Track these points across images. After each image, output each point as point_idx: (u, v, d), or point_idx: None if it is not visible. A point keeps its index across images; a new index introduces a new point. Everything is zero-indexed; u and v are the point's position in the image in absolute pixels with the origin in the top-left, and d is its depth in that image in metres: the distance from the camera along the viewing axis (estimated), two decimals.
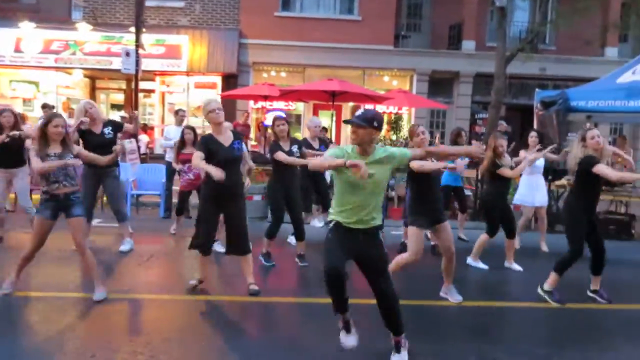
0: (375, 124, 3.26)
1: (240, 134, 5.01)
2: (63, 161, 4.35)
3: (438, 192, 5.01)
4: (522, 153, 7.33)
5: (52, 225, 4.50)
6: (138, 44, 11.38)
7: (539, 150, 6.83)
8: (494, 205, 6.07)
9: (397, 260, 4.83)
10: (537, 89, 9.67)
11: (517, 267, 6.26)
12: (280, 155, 5.61)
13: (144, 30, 11.89)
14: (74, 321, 4.15)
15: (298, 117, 16.10)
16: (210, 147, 4.60)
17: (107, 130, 6.01)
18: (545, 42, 15.95)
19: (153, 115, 15.83)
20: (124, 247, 6.29)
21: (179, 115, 9.10)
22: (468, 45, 15.34)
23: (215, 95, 14.84)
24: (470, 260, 6.30)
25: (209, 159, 4.50)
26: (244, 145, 5.12)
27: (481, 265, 6.26)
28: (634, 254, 7.50)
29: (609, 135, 15.63)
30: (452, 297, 4.94)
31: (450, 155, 4.65)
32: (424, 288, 5.26)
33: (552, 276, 5.08)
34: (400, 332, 3.51)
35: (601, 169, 4.76)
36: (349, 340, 3.48)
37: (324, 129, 12.36)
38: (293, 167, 5.84)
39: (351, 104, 14.66)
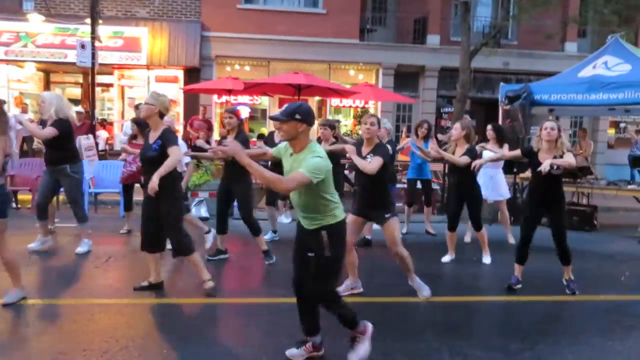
0: (297, 116, 3.09)
1: (170, 137, 4.56)
2: None
3: (370, 188, 4.72)
4: (478, 147, 7.38)
5: None
6: (94, 36, 10.93)
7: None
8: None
9: None
10: (501, 83, 9.75)
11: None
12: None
13: (100, 21, 11.42)
14: (22, 330, 3.85)
15: (263, 111, 15.84)
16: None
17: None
18: (507, 37, 16.17)
19: (112, 110, 15.28)
20: (81, 249, 5.97)
21: (139, 109, 8.70)
22: (433, 39, 15.39)
23: (177, 89, 14.47)
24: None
25: None
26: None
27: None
28: (597, 245, 7.61)
29: (570, 128, 16.03)
30: (420, 292, 4.81)
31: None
32: (393, 283, 5.15)
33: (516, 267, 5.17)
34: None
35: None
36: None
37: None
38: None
39: (317, 98, 14.52)
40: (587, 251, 7.11)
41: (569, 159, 4.79)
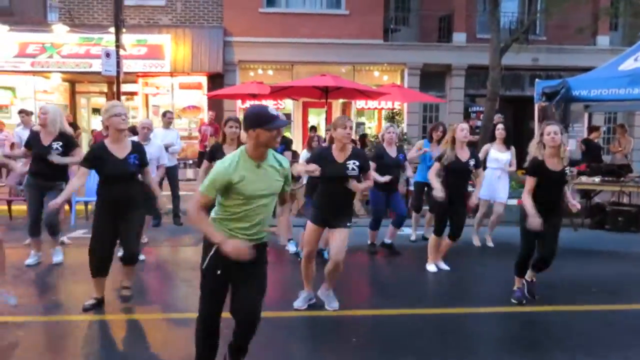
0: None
1: (139, 147, 4.50)
2: None
3: (344, 197, 4.42)
4: (485, 147, 7.10)
5: None
6: (118, 45, 10.89)
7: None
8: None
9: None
10: (537, 80, 9.37)
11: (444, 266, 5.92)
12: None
13: (123, 30, 11.38)
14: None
15: (287, 115, 15.66)
16: (97, 158, 4.27)
17: (56, 145, 5.48)
18: (535, 33, 15.70)
19: (137, 118, 15.27)
20: (57, 258, 5.85)
21: (166, 117, 8.62)
22: (459, 37, 15.04)
23: (201, 95, 14.41)
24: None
25: (98, 171, 4.30)
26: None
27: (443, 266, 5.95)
28: None
29: (604, 125, 15.48)
30: (328, 304, 4.51)
31: None
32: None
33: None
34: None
35: (526, 183, 4.55)
36: None
37: (313, 128, 11.95)
38: None
39: (342, 100, 14.30)
40: (633, 253, 6.74)
41: None
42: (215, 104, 14.29)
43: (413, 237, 7.44)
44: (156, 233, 7.52)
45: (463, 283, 5.53)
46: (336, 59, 14.39)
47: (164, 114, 8.69)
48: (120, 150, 4.31)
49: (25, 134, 8.79)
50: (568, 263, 6.10)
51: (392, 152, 6.27)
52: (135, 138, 6.28)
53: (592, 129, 10.54)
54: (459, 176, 5.57)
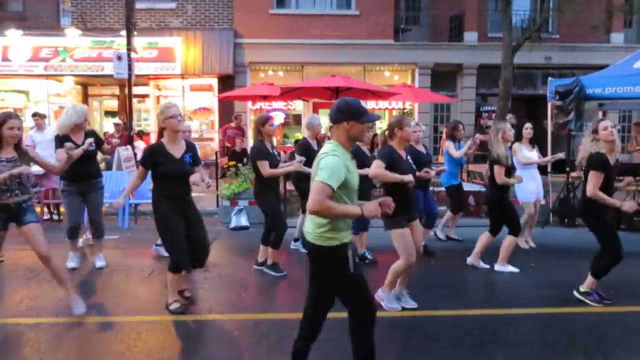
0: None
1: (193, 147, 4.65)
2: (17, 170, 3.97)
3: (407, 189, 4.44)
4: (514, 146, 7.00)
5: (3, 236, 4.18)
6: (130, 48, 10.95)
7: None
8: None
9: (394, 269, 4.45)
10: (549, 78, 9.26)
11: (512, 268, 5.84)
12: (266, 169, 5.28)
13: (135, 33, 11.45)
14: (67, 348, 3.71)
15: (297, 117, 15.68)
16: (157, 159, 4.31)
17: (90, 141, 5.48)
18: (548, 31, 15.53)
19: (148, 120, 15.37)
20: (100, 263, 5.87)
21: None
22: (470, 36, 14.92)
23: (212, 97, 14.45)
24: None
25: (153, 172, 4.35)
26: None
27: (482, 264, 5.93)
28: None
29: (619, 124, 15.27)
30: (405, 303, 4.53)
31: None
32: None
33: (590, 280, 4.73)
34: None
35: (593, 179, 4.45)
36: None
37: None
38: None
39: None
40: None
41: None
42: (225, 105, 14.33)
43: (442, 236, 7.46)
44: None
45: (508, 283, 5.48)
46: (346, 59, 14.36)
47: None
48: (177, 150, 4.39)
49: (38, 137, 8.91)
50: (583, 263, 6.00)
51: (421, 149, 6.24)
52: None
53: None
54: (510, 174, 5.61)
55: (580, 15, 13.06)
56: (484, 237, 5.88)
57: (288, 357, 3.10)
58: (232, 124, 12.23)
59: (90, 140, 5.32)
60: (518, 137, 6.95)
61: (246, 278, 5.54)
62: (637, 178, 8.35)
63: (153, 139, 14.28)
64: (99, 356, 3.65)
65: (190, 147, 4.54)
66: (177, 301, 4.43)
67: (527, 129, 6.95)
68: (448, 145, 7.22)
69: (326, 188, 2.69)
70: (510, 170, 5.57)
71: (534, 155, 6.96)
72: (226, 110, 14.33)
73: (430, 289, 5.13)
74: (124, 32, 11.32)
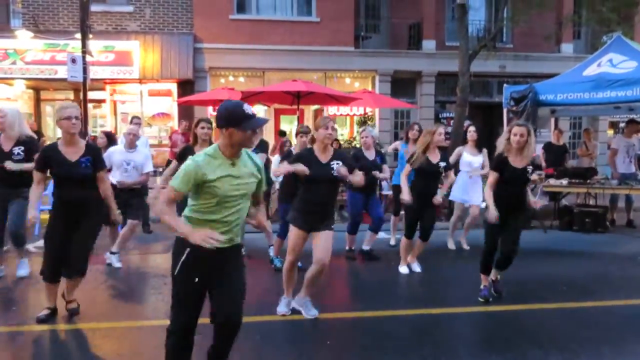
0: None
1: (94, 150, 4.34)
2: None
3: (330, 201, 4.39)
4: (457, 150, 7.17)
5: None
6: (85, 50, 10.64)
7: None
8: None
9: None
10: (505, 85, 9.57)
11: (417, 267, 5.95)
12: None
13: (90, 36, 11.14)
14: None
15: None
16: (49, 161, 4.11)
17: (17, 150, 5.12)
18: (502, 41, 16.04)
19: (105, 126, 14.94)
20: (22, 272, 5.51)
21: (133, 123, 8.47)
22: (428, 44, 15.24)
23: (171, 102, 14.19)
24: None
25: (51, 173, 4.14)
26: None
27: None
28: (614, 247, 7.38)
29: (569, 130, 15.89)
30: (306, 311, 4.41)
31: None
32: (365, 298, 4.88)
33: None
34: None
35: (489, 177, 4.75)
36: None
37: (283, 133, 11.84)
38: None
39: (315, 106, 14.29)
40: (606, 253, 6.88)
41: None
42: (185, 110, 14.10)
43: (392, 242, 7.35)
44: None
45: (437, 284, 5.54)
46: (307, 66, 14.40)
47: (132, 120, 8.55)
48: (73, 152, 4.13)
49: None
50: (539, 263, 6.20)
51: (369, 155, 6.27)
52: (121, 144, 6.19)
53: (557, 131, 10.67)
54: (429, 178, 5.58)
55: (532, 26, 13.56)
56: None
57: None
58: (179, 129, 11.95)
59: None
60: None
61: None
62: (588, 181, 8.71)
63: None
64: None
65: (90, 151, 4.25)
66: (47, 308, 4.28)
67: (471, 131, 7.01)
68: (397, 145, 7.44)
69: (170, 190, 2.71)
70: (423, 171, 5.55)
71: (477, 159, 6.97)
72: (186, 116, 14.08)
73: (389, 290, 5.18)
74: (78, 35, 11.01)
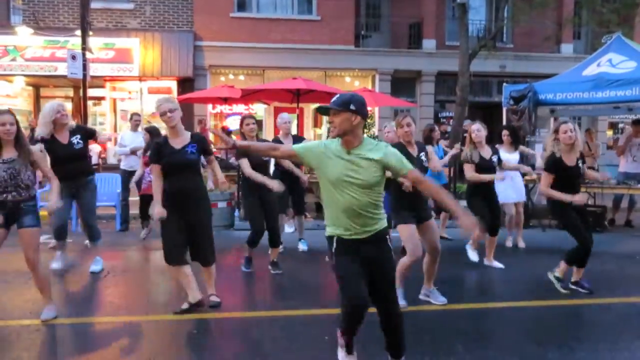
0: (352, 107, 2.79)
1: (202, 138, 4.48)
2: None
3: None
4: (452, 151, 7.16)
5: (3, 235, 3.95)
6: (85, 47, 10.62)
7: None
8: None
9: (400, 266, 4.37)
10: (504, 84, 9.59)
11: (497, 264, 5.99)
12: (246, 169, 5.22)
13: (90, 33, 11.13)
14: (20, 355, 3.53)
15: (258, 121, 15.55)
16: (161, 152, 4.20)
17: (76, 140, 5.30)
18: (502, 40, 16.07)
19: (104, 124, 14.94)
20: (95, 267, 5.60)
21: (133, 120, 8.48)
22: (429, 44, 15.25)
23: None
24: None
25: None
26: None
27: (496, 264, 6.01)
28: (612, 246, 7.39)
29: None
30: (435, 299, 4.60)
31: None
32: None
33: (562, 265, 5.03)
34: (401, 355, 3.10)
35: (543, 179, 4.83)
36: None
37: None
38: (265, 168, 5.43)
39: (315, 105, 14.27)
40: (604, 252, 6.87)
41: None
42: (185, 108, 14.06)
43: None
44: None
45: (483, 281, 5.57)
46: (307, 64, 14.41)
47: (131, 117, 8.54)
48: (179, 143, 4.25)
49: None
50: (537, 261, 6.20)
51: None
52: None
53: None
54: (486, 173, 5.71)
55: (532, 26, 13.59)
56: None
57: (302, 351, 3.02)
58: (198, 129, 12.04)
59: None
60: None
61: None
62: (586, 181, 8.71)
63: (110, 143, 13.92)
64: (54, 357, 3.50)
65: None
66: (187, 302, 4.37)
67: (505, 135, 7.05)
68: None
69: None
70: (481, 167, 5.71)
71: (513, 157, 6.94)
72: (186, 114, 14.06)
73: None
74: (78, 32, 10.99)
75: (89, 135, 5.61)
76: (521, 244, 7.19)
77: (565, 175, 4.77)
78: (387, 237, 2.99)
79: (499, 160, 5.81)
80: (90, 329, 4.00)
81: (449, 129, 13.99)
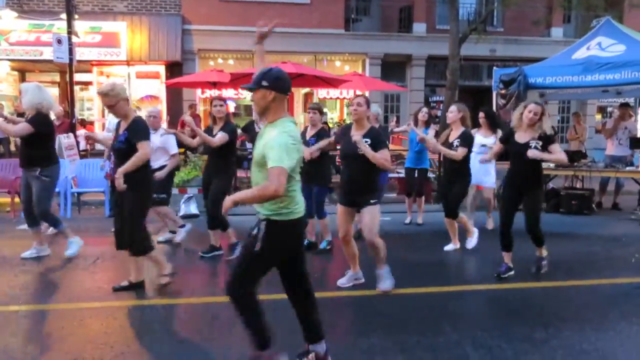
0: (264, 83, 2.70)
1: (139, 130, 4.27)
2: None
3: (357, 173, 4.40)
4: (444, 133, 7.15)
5: None
6: (71, 31, 10.44)
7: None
8: None
9: None
10: (495, 68, 9.56)
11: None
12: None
13: (76, 16, 10.93)
14: (6, 339, 3.51)
15: (248, 107, 15.48)
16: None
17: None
18: (493, 24, 16.02)
19: (92, 110, 14.78)
20: (70, 251, 5.54)
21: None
22: (419, 27, 15.18)
23: (159, 85, 14.04)
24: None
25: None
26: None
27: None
28: (599, 228, 7.47)
29: (558, 114, 15.97)
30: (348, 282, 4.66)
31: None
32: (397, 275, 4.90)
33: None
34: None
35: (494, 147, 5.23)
36: None
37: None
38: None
39: (304, 90, 14.22)
40: (592, 234, 6.97)
41: (560, 156, 4.74)
42: (174, 93, 13.98)
43: (407, 220, 7.60)
44: None
45: (427, 266, 5.57)
46: (297, 48, 14.29)
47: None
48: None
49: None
50: (525, 244, 6.19)
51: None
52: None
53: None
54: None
55: (523, 10, 13.54)
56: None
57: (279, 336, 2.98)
58: (187, 113, 11.92)
59: None
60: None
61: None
62: (575, 164, 8.78)
63: (97, 128, 13.78)
64: (42, 342, 3.48)
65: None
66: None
67: (481, 117, 6.89)
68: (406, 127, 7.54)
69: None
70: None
71: (489, 141, 6.77)
72: (175, 98, 13.98)
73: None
74: (64, 16, 10.79)
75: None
76: (490, 226, 7.19)
77: (512, 150, 4.84)
78: (274, 224, 2.75)
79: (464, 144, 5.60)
80: (79, 314, 3.98)
81: (439, 113, 14.02)
